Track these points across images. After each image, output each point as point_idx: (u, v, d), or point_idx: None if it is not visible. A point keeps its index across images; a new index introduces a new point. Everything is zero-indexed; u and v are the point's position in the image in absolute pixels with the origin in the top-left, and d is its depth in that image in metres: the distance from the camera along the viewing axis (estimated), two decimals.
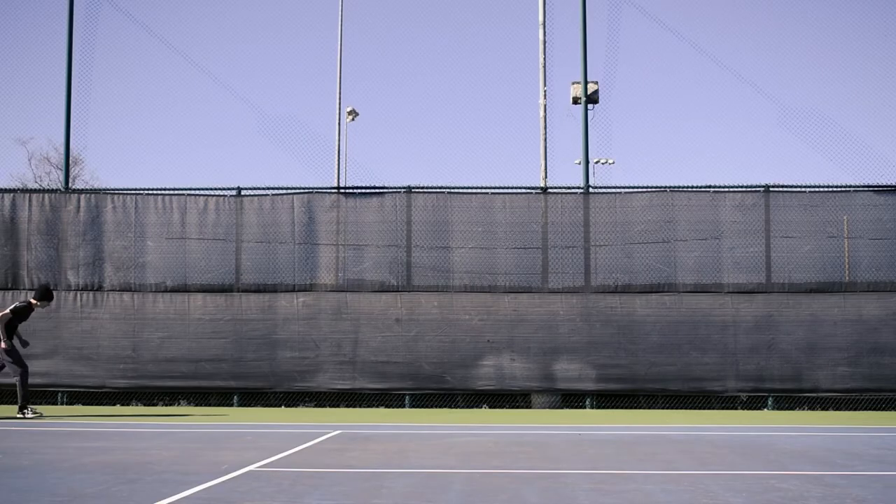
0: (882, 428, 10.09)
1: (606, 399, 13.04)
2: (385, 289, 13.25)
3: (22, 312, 11.36)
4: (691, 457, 7.01)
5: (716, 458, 6.96)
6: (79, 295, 13.45)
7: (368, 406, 13.16)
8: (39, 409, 11.71)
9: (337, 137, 19.14)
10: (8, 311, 11.24)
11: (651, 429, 9.85)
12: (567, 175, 45.00)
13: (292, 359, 13.08)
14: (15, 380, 11.11)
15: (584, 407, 12.95)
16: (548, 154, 15.96)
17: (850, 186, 13.02)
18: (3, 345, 11.00)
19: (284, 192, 13.52)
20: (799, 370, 12.79)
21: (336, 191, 13.65)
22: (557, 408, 13.00)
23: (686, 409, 12.84)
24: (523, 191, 13.41)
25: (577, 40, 13.76)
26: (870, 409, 12.72)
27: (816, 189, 13.07)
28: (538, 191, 13.48)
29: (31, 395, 13.26)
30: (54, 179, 33.05)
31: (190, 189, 13.63)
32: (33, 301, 11.47)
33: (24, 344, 11.34)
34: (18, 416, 11.00)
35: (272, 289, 13.34)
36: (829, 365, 12.75)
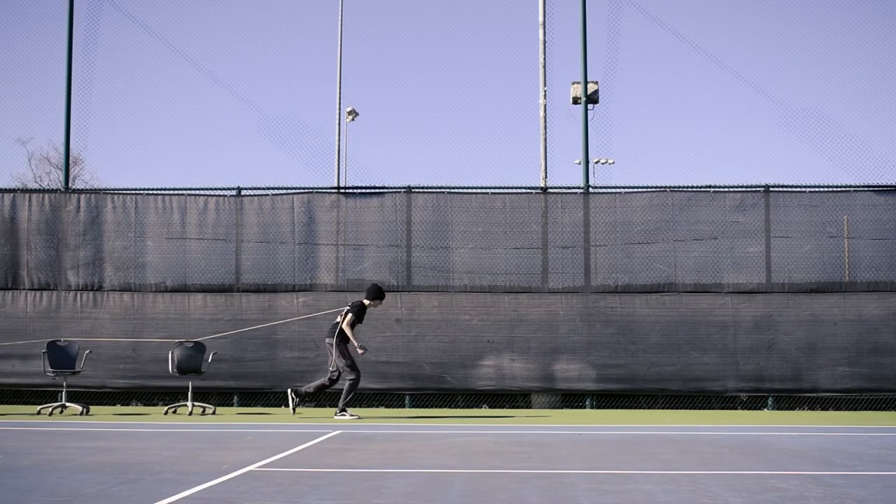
0: (882, 428, 10.09)
1: (606, 399, 13.04)
2: (385, 289, 13.22)
3: (361, 314, 11.24)
4: (691, 457, 7.01)
5: (716, 458, 6.96)
6: (79, 295, 13.45)
7: (368, 406, 13.16)
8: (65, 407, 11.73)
9: (337, 137, 19.15)
10: (350, 314, 11.08)
11: (651, 429, 9.85)
12: (567, 175, 45.03)
13: (292, 359, 13.08)
14: (345, 383, 11.06)
15: (584, 407, 12.95)
16: (548, 154, 15.96)
17: (850, 186, 13.03)
18: (357, 348, 10.94)
19: (284, 192, 13.52)
20: (799, 370, 12.79)
21: (336, 191, 13.65)
22: (557, 408, 13.00)
23: (686, 409, 12.84)
24: (523, 191, 13.42)
25: (577, 40, 13.77)
26: (870, 409, 12.72)
27: (816, 189, 13.07)
28: (538, 191, 13.49)
29: (31, 395, 13.33)
30: (54, 179, 33.09)
31: (190, 189, 13.64)
32: (366, 301, 11.38)
33: (363, 349, 11.14)
34: (337, 417, 11.00)
35: (272, 289, 13.34)
36: (829, 365, 12.76)
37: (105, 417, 11.36)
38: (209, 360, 12.06)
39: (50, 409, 11.77)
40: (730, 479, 5.71)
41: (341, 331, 11.02)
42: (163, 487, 5.27)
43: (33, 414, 11.71)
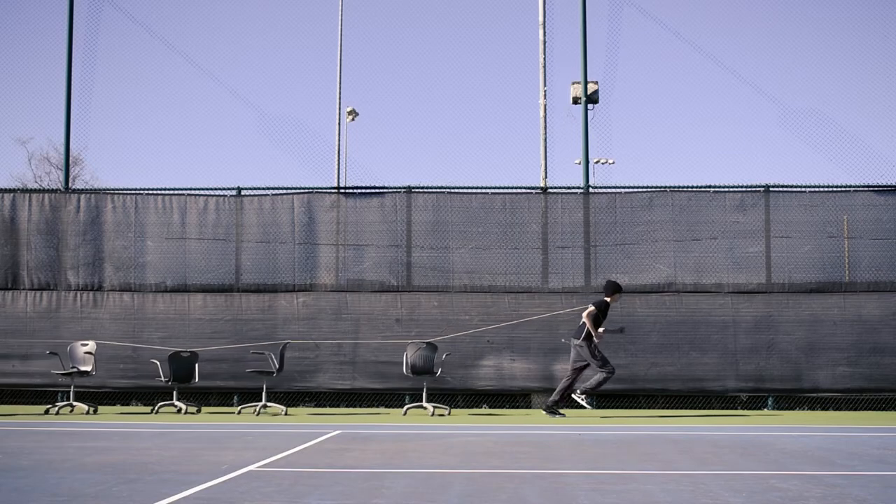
0: (882, 428, 10.09)
1: (606, 399, 13.03)
2: (385, 289, 13.26)
3: (605, 311, 11.57)
4: (691, 457, 7.01)
5: (716, 458, 6.96)
6: (79, 295, 13.45)
7: (368, 406, 13.16)
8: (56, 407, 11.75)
9: (337, 137, 19.13)
10: (593, 308, 11.44)
11: (651, 429, 9.85)
12: (567, 175, 45.04)
13: (292, 359, 13.06)
14: (597, 377, 11.39)
15: (584, 407, 12.94)
16: (548, 154, 15.95)
17: (850, 186, 13.03)
18: (595, 338, 11.37)
19: (284, 192, 13.52)
20: (799, 370, 12.79)
21: (336, 191, 13.65)
22: None
23: (686, 409, 12.84)
24: (523, 191, 13.42)
25: (577, 40, 13.77)
26: (870, 409, 12.72)
27: (816, 189, 13.07)
28: (538, 191, 13.48)
29: (31, 395, 13.33)
30: (54, 179, 33.08)
31: (190, 189, 13.64)
32: (607, 298, 11.63)
33: (621, 330, 11.72)
34: (548, 412, 11.43)
35: (272, 289, 13.34)
36: (829, 365, 12.75)
37: (105, 417, 11.36)
38: (442, 360, 12.08)
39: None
40: (730, 479, 5.71)
41: (587, 330, 11.36)
42: (163, 487, 5.27)
43: (40, 414, 11.69)
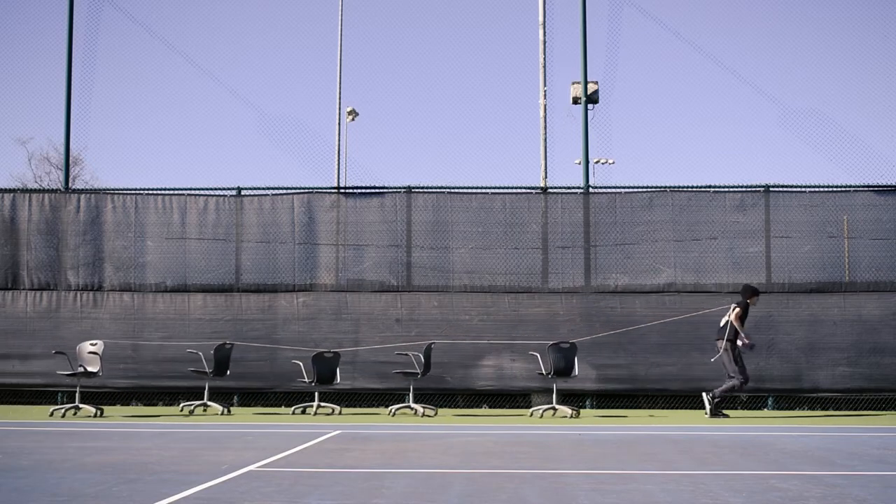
0: (882, 428, 10.09)
1: (606, 399, 13.03)
2: (385, 289, 13.25)
3: (746, 311, 11.58)
4: (691, 457, 7.01)
5: (716, 458, 6.96)
6: (79, 295, 13.45)
7: (368, 406, 13.16)
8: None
9: (337, 137, 19.12)
10: (739, 308, 11.44)
11: (651, 429, 9.85)
12: (567, 175, 45.01)
13: (292, 359, 13.06)
14: (729, 384, 11.36)
15: (584, 407, 12.94)
16: (548, 154, 15.94)
17: (850, 186, 13.03)
18: (745, 345, 11.33)
19: (284, 192, 13.52)
20: (799, 370, 12.79)
21: (336, 191, 13.65)
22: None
23: (686, 409, 12.83)
24: (523, 191, 13.42)
25: (577, 40, 13.77)
26: (870, 409, 12.71)
27: (816, 189, 13.07)
28: (538, 191, 13.48)
29: (31, 395, 13.33)
30: (54, 179, 33.06)
31: (190, 189, 13.64)
32: (747, 300, 11.63)
33: (750, 346, 11.51)
34: (711, 414, 11.34)
35: (272, 289, 13.34)
36: (829, 365, 12.75)
37: (105, 417, 11.35)
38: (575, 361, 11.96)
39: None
40: (730, 479, 5.71)
41: (733, 330, 11.34)
42: (163, 487, 5.27)
43: (46, 417, 11.43)
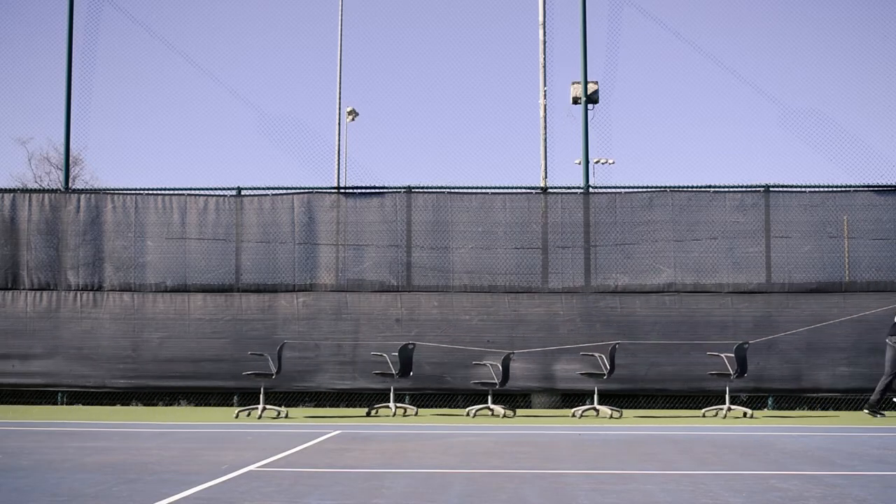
0: (882, 428, 10.09)
1: (607, 399, 13.01)
2: (385, 289, 13.25)
3: None
4: (691, 457, 7.01)
5: (716, 458, 6.96)
6: (79, 295, 13.45)
7: (368, 406, 13.13)
8: (40, 408, 11.71)
9: (337, 137, 19.14)
10: None
11: (651, 429, 9.85)
12: (567, 175, 45.05)
13: (292, 359, 13.05)
14: (884, 381, 11.48)
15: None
16: (548, 154, 15.96)
17: (850, 186, 13.02)
18: None
19: (284, 192, 13.52)
20: (799, 370, 12.79)
21: (336, 191, 13.65)
22: (557, 408, 12.99)
23: (686, 408, 12.83)
24: (523, 191, 13.41)
25: (577, 40, 13.76)
26: None
27: (816, 189, 13.07)
28: (538, 191, 13.48)
29: (31, 395, 13.33)
30: (54, 179, 33.07)
31: (190, 189, 13.64)
32: None
33: None
34: (871, 413, 11.47)
35: (272, 289, 13.33)
36: (829, 365, 12.75)
37: (105, 417, 11.35)
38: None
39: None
40: (730, 479, 5.71)
41: None
42: (163, 487, 5.27)
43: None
